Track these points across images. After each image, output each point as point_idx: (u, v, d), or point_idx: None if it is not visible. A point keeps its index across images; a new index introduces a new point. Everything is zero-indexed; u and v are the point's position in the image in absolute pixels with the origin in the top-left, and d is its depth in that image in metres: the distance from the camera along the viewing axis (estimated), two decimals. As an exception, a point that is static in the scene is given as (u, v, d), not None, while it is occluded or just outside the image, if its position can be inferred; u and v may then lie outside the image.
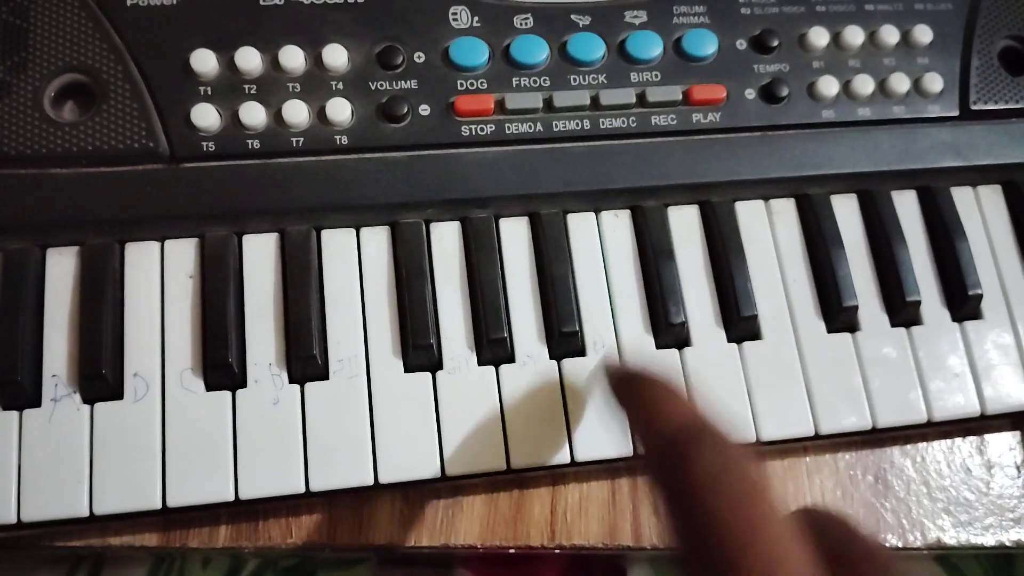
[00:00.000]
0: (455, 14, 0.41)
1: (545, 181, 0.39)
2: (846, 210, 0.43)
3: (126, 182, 0.37)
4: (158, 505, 0.34)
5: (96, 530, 0.37)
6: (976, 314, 0.42)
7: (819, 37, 0.43)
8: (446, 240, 0.39)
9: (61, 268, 0.37)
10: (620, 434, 0.37)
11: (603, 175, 0.40)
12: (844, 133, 0.43)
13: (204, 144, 0.37)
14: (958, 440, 0.43)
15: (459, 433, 0.36)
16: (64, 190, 0.36)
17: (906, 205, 0.43)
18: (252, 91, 0.38)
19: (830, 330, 0.40)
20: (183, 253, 0.38)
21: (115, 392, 0.35)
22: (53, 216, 0.36)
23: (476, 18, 0.41)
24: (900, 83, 0.43)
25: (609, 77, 0.41)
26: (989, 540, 0.41)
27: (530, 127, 0.40)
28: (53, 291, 0.36)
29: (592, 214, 0.41)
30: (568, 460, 0.37)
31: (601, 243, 0.40)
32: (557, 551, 0.39)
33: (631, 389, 0.30)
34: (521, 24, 0.41)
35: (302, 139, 0.38)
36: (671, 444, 0.26)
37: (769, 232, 0.42)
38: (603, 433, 0.37)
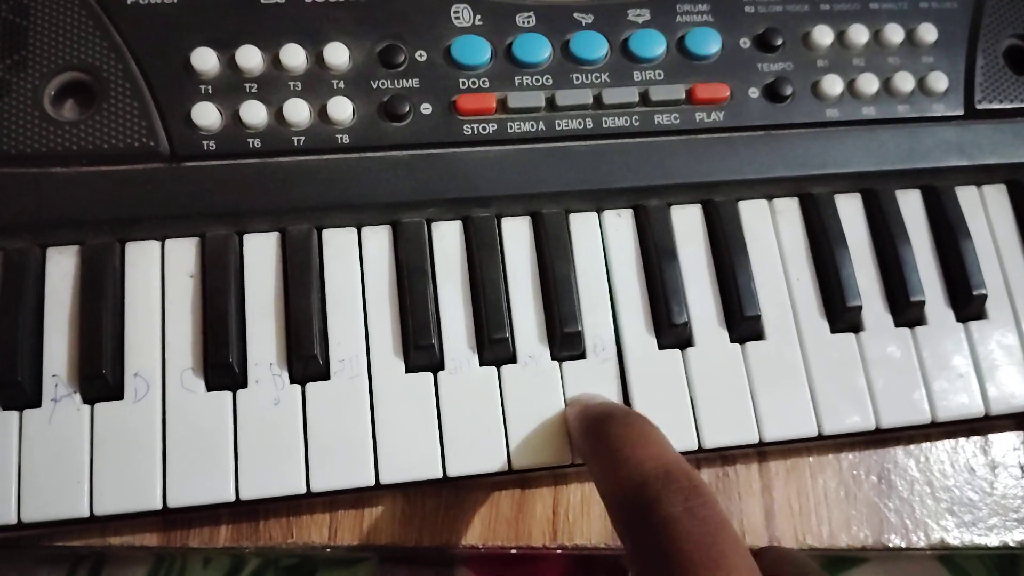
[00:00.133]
0: (457, 12, 0.41)
1: (547, 180, 0.39)
2: (850, 209, 0.42)
3: (126, 181, 0.37)
4: (158, 505, 0.34)
5: (96, 530, 0.37)
6: (980, 314, 0.42)
7: (823, 36, 0.43)
8: (448, 239, 0.39)
9: (61, 267, 0.37)
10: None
11: (606, 174, 0.40)
12: (848, 132, 0.42)
13: (205, 143, 0.37)
14: (962, 440, 0.43)
15: (460, 433, 0.36)
16: (64, 189, 0.36)
17: (910, 204, 0.43)
18: (253, 90, 0.38)
19: (834, 330, 0.40)
20: (184, 252, 0.37)
21: (115, 392, 0.35)
22: (53, 215, 0.36)
23: (478, 16, 0.41)
24: (905, 82, 0.43)
25: (612, 76, 0.41)
26: (993, 540, 0.41)
27: (532, 126, 0.40)
28: (53, 291, 0.36)
29: (594, 213, 0.41)
30: (570, 460, 0.36)
31: (603, 243, 0.40)
32: (559, 551, 0.39)
33: (598, 436, 0.31)
34: (523, 22, 0.41)
35: (303, 138, 0.38)
36: (640, 487, 0.27)
37: (773, 231, 0.42)
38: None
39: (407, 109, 0.39)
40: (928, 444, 0.42)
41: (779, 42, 0.43)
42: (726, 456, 0.41)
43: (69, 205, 0.36)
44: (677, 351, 0.39)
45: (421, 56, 0.40)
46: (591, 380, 0.38)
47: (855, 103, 0.43)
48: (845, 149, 0.42)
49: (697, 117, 0.41)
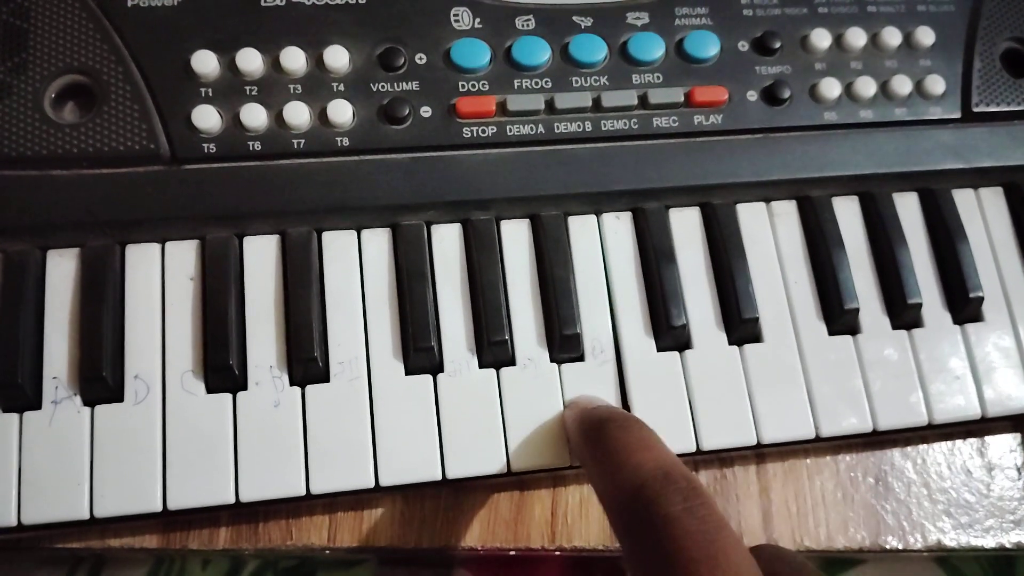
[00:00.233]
0: (456, 15, 0.41)
1: (546, 183, 0.39)
2: (847, 212, 0.43)
3: (127, 184, 0.37)
4: (159, 508, 0.34)
5: (96, 531, 0.37)
6: (977, 316, 0.42)
7: (821, 39, 0.43)
8: (447, 242, 0.39)
9: (61, 270, 0.37)
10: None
11: (604, 177, 0.40)
12: (846, 135, 0.42)
13: (205, 145, 0.37)
14: (959, 442, 0.43)
15: (460, 435, 0.36)
16: (64, 191, 0.36)
17: (907, 207, 0.43)
18: (253, 92, 0.38)
19: (831, 332, 0.40)
20: (184, 255, 0.38)
21: (116, 394, 0.35)
22: (53, 218, 0.36)
23: (478, 19, 0.41)
24: (902, 85, 0.43)
25: (611, 79, 0.41)
26: (989, 542, 0.41)
27: (531, 129, 0.40)
28: (53, 293, 0.36)
29: (593, 216, 0.41)
30: (569, 463, 0.37)
31: (602, 245, 0.40)
32: (557, 553, 0.39)
33: (596, 441, 0.32)
34: (523, 25, 0.41)
35: (303, 141, 0.38)
36: (639, 489, 0.28)
37: (770, 234, 0.42)
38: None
39: (407, 112, 0.39)
40: (925, 446, 0.43)
41: (777, 45, 0.43)
42: (724, 458, 0.41)
43: (69, 207, 0.36)
44: (675, 353, 0.39)
45: (421, 59, 0.40)
46: (590, 382, 0.38)
47: (853, 106, 0.43)
48: (843, 152, 0.42)
49: (695, 120, 0.41)
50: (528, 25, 0.41)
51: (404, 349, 0.37)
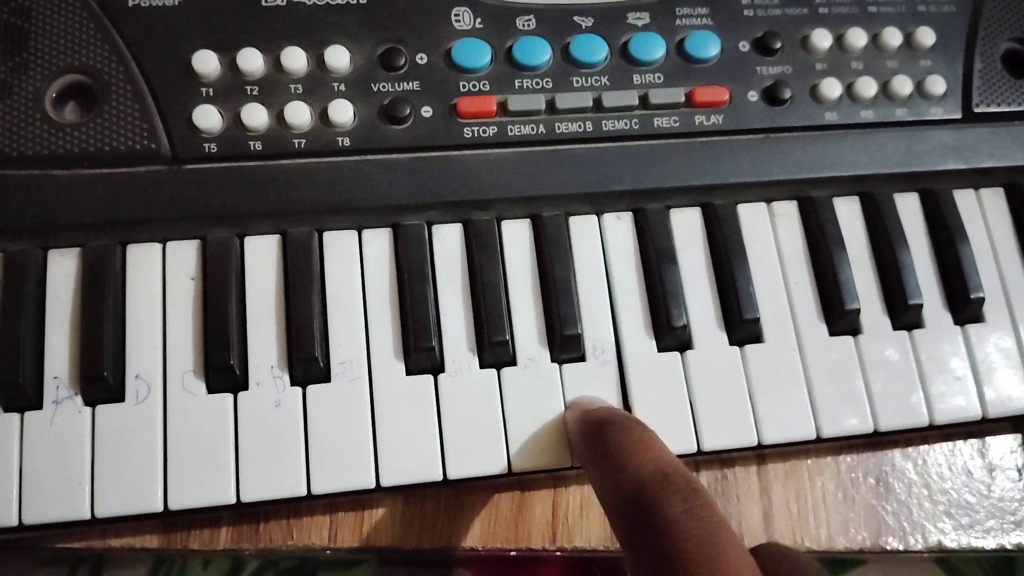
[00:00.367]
0: (457, 15, 0.41)
1: (547, 183, 0.39)
2: (848, 212, 0.43)
3: (127, 183, 0.37)
4: (159, 508, 0.34)
5: (97, 531, 0.37)
6: (978, 317, 0.42)
7: (822, 39, 0.43)
8: (448, 242, 0.39)
9: (62, 270, 0.37)
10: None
11: (605, 177, 0.40)
12: (847, 135, 0.42)
13: (206, 145, 0.37)
14: (959, 443, 0.43)
15: (461, 436, 0.36)
16: (65, 191, 0.36)
17: (908, 208, 0.43)
18: (254, 92, 0.38)
19: (832, 333, 0.40)
20: (185, 255, 0.38)
21: (116, 394, 0.35)
22: (54, 217, 0.36)
23: (478, 19, 0.41)
24: (903, 85, 0.43)
25: (611, 79, 0.41)
26: (990, 543, 0.41)
27: (532, 129, 0.40)
28: (54, 293, 0.36)
29: (594, 216, 0.41)
30: (570, 463, 0.37)
31: (603, 245, 0.40)
32: (558, 553, 0.39)
33: (596, 442, 0.32)
34: (523, 25, 0.41)
35: (304, 140, 0.38)
36: (639, 490, 0.28)
37: (771, 234, 0.42)
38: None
39: (408, 112, 0.39)
40: (926, 447, 0.43)
41: (778, 45, 0.43)
42: (725, 459, 0.41)
43: (70, 207, 0.36)
44: (676, 354, 0.39)
45: (422, 59, 0.40)
46: (591, 383, 0.38)
47: (853, 106, 0.43)
48: (843, 152, 0.42)
49: (696, 120, 0.41)
50: (529, 25, 0.41)
51: (405, 349, 0.37)
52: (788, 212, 0.42)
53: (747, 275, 0.40)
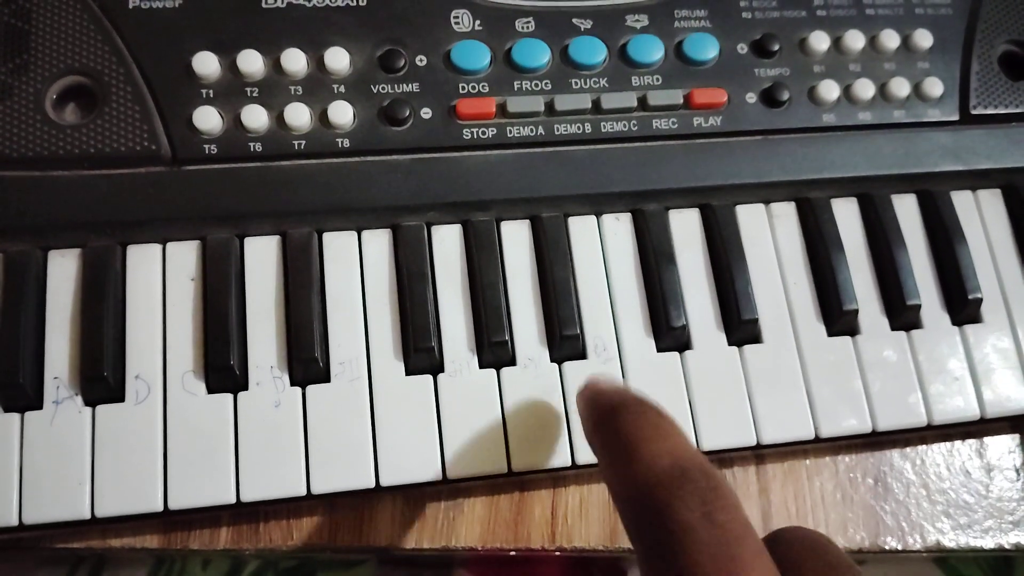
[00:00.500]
0: (457, 17, 0.41)
1: (546, 184, 0.39)
2: (846, 214, 0.43)
3: (128, 184, 0.37)
4: (159, 508, 0.34)
5: (97, 531, 0.37)
6: (976, 318, 0.42)
7: (820, 41, 0.43)
8: (447, 243, 0.39)
9: (63, 270, 0.37)
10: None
11: (604, 178, 0.40)
12: (845, 137, 0.43)
13: (206, 147, 0.38)
14: (957, 443, 0.43)
15: (460, 436, 0.36)
16: (66, 192, 0.36)
17: (906, 209, 0.43)
18: (254, 94, 0.38)
19: (830, 333, 0.41)
20: (185, 255, 0.38)
21: (116, 394, 0.35)
22: (55, 218, 0.36)
23: (478, 21, 0.41)
24: (900, 87, 0.43)
25: (610, 81, 0.41)
26: (988, 543, 0.41)
27: (531, 130, 0.40)
28: (55, 293, 0.36)
29: (593, 217, 0.41)
30: (569, 463, 0.37)
31: (602, 246, 0.40)
32: (557, 553, 0.39)
33: (607, 428, 0.28)
34: (523, 27, 0.41)
35: (304, 142, 0.38)
36: (653, 488, 0.25)
37: (770, 235, 0.42)
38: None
39: (407, 113, 0.39)
40: (924, 447, 0.43)
41: (776, 47, 0.43)
42: (723, 459, 0.41)
43: (71, 208, 0.36)
44: (675, 354, 0.39)
45: (421, 61, 0.40)
46: (590, 383, 0.38)
47: (851, 108, 0.43)
48: (841, 154, 0.42)
49: (695, 122, 0.41)
50: (528, 27, 0.41)
51: (404, 349, 0.37)
52: (786, 213, 0.42)
53: (746, 276, 0.40)
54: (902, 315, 0.41)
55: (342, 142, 0.38)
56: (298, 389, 0.36)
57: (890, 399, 0.40)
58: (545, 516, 0.39)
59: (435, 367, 0.37)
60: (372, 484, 0.35)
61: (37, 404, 0.35)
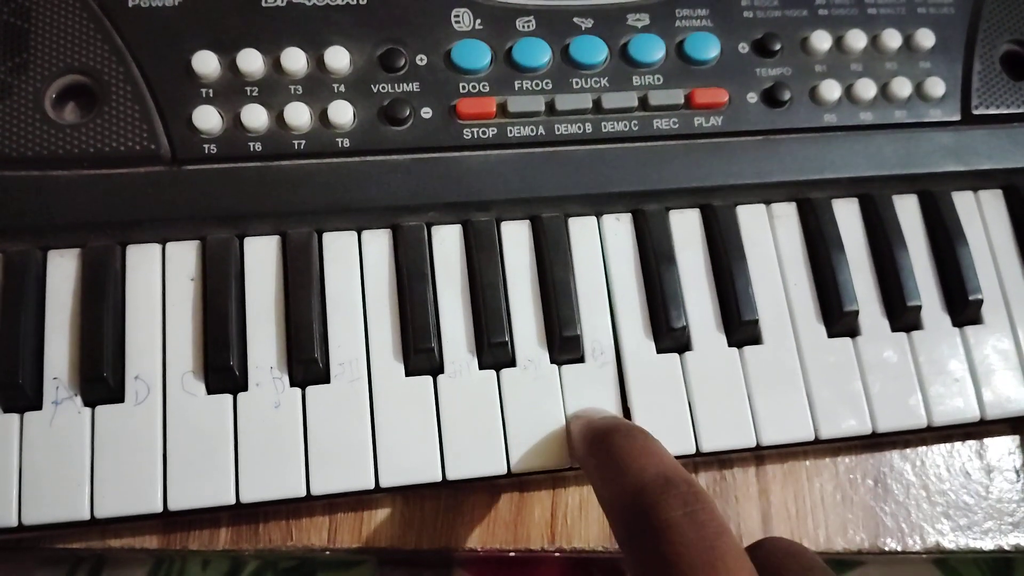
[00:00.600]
0: (457, 16, 0.41)
1: (547, 184, 0.39)
2: (847, 214, 0.43)
3: (127, 184, 0.37)
4: (159, 508, 0.34)
5: (96, 532, 0.37)
6: (976, 319, 0.42)
7: (821, 41, 0.43)
8: (447, 243, 0.39)
9: (62, 270, 0.37)
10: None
11: (605, 178, 0.40)
12: (846, 137, 0.43)
13: (206, 146, 0.37)
14: (957, 444, 0.43)
15: (460, 437, 0.36)
16: (65, 192, 0.36)
17: (907, 209, 0.43)
18: (254, 93, 0.38)
19: (831, 334, 0.40)
20: (184, 255, 0.38)
21: (116, 395, 0.35)
22: (54, 218, 0.36)
23: (478, 20, 0.41)
24: (902, 87, 0.43)
25: (611, 80, 0.41)
26: (988, 544, 0.41)
27: (532, 130, 0.40)
28: (54, 293, 0.36)
29: (593, 218, 0.41)
30: (569, 464, 0.37)
31: (602, 247, 0.40)
32: (557, 554, 0.39)
33: (600, 447, 0.32)
34: (523, 27, 0.41)
35: (304, 141, 0.38)
36: (640, 493, 0.28)
37: (770, 236, 0.42)
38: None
39: (407, 113, 0.39)
40: (924, 448, 0.43)
41: (777, 47, 0.43)
42: (723, 460, 0.41)
43: (70, 208, 0.36)
44: (675, 355, 0.39)
45: (421, 60, 0.40)
46: (590, 384, 0.38)
47: (853, 108, 0.43)
48: (843, 154, 0.42)
49: (696, 122, 0.41)
50: (529, 26, 0.41)
51: (404, 350, 0.37)
52: (787, 214, 0.42)
53: (746, 276, 0.40)
54: (903, 316, 0.41)
55: (342, 142, 0.38)
56: (298, 390, 0.36)
57: (890, 400, 0.40)
58: (545, 517, 0.39)
59: (435, 368, 0.37)
60: (372, 485, 0.35)
61: (36, 404, 0.35)
